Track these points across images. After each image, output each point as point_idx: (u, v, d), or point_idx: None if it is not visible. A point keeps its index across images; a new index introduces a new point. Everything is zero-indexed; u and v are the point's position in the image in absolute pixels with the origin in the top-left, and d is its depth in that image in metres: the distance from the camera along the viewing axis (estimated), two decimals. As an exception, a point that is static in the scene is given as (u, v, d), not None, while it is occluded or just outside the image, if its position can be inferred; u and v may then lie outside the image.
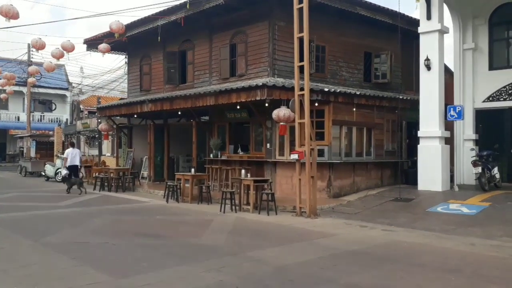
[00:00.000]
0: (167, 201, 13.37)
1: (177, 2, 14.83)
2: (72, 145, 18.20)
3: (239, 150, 15.23)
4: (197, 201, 13.04)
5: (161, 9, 15.75)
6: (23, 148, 32.24)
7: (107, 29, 15.23)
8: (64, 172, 16.32)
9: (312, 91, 11.69)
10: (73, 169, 16.07)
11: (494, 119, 14.45)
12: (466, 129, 14.55)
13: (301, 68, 10.84)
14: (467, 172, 13.79)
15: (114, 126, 20.63)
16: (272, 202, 11.23)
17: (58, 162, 21.42)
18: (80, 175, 16.54)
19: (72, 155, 16.22)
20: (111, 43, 16.26)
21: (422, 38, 13.50)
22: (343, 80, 15.34)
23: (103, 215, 11.04)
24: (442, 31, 13.41)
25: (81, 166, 16.84)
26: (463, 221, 9.42)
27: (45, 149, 30.79)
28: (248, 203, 11.67)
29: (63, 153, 24.68)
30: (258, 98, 12.40)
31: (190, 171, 14.09)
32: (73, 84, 37.58)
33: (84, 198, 14.45)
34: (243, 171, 12.20)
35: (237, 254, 6.94)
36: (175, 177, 14.20)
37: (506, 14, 14.45)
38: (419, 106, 13.55)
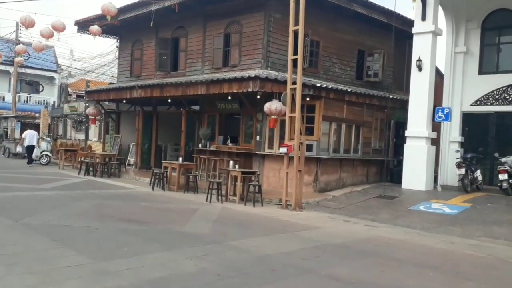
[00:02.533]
0: (152, 188, 13.30)
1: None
2: (30, 127, 21.91)
3: (229, 141, 15.19)
4: (183, 190, 13.00)
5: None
6: (7, 129, 31.72)
7: (100, 12, 15.00)
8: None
9: (304, 85, 11.69)
10: (30, 149, 19.94)
11: (480, 123, 14.61)
12: (452, 131, 14.70)
13: (295, 62, 10.84)
14: (451, 173, 13.95)
15: (102, 111, 20.42)
16: (259, 194, 11.25)
17: (43, 144, 21.13)
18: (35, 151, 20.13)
19: (30, 136, 19.92)
20: (103, 26, 16.01)
21: (415, 39, 13.58)
22: (336, 76, 15.37)
23: (86, 199, 10.96)
24: (436, 33, 13.50)
25: (39, 146, 20.50)
26: (444, 220, 9.58)
27: (30, 131, 30.25)
28: (234, 194, 11.68)
29: (49, 136, 24.51)
30: (250, 90, 12.37)
31: (177, 159, 14.03)
32: (62, 67, 36.99)
33: (68, 181, 14.32)
34: (231, 162, 12.18)
35: (220, 243, 6.95)
36: (162, 165, 14.13)
37: (498, 20, 14.55)
38: (408, 106, 13.66)
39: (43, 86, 38.51)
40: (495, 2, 14.30)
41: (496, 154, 13.06)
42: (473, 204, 10.89)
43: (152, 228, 7.97)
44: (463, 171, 12.74)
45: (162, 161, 15.17)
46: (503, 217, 9.74)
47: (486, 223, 9.20)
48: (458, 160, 13.26)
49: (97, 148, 21.38)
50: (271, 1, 13.52)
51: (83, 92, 24.78)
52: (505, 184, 12.19)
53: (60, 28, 14.40)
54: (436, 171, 13.73)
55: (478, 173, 13.12)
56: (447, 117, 13.25)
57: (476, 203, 11.00)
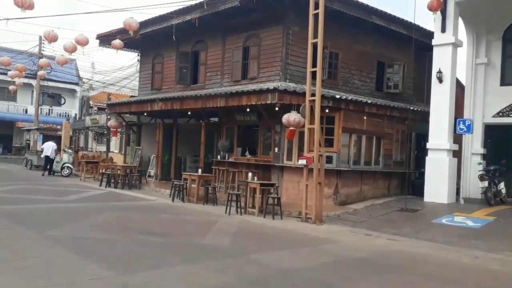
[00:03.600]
0: (172, 200, 13.37)
1: (192, 2, 14.89)
2: (52, 140, 23.14)
3: (247, 153, 15.22)
4: (202, 201, 13.04)
5: (176, 8, 15.80)
6: (29, 141, 32.35)
7: (121, 26, 15.29)
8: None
9: (323, 97, 11.68)
10: (46, 159, 20.88)
11: (502, 135, 14.35)
12: (474, 143, 14.47)
13: (314, 74, 10.84)
14: (474, 186, 13.71)
15: (123, 123, 20.68)
16: (278, 206, 11.19)
17: (65, 157, 21.47)
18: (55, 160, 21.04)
19: (47, 147, 20.81)
20: (124, 40, 16.30)
21: (435, 51, 13.49)
22: (355, 88, 15.32)
23: (108, 211, 11.08)
24: (456, 45, 13.40)
25: (54, 158, 21.05)
26: (467, 234, 9.41)
27: (52, 143, 30.82)
28: (253, 206, 11.66)
29: (70, 148, 24.93)
30: (268, 102, 12.41)
31: (197, 171, 14.10)
32: (84, 80, 37.70)
33: (89, 193, 14.51)
34: (250, 174, 12.19)
35: (240, 256, 6.94)
36: (182, 176, 14.22)
37: (520, 31, 14.38)
38: (429, 118, 13.53)
39: (65, 99, 39.29)
40: (516, 14, 14.14)
41: None
42: (497, 218, 10.69)
43: (172, 241, 8.01)
44: (486, 183, 12.56)
45: (182, 172, 15.27)
46: (529, 231, 9.51)
47: (511, 237, 9.04)
48: (481, 172, 13.08)
49: (118, 160, 21.62)
50: (290, 14, 13.59)
51: (105, 105, 25.16)
52: (530, 197, 11.97)
53: (83, 42, 14.71)
54: (458, 184, 13.51)
55: (502, 185, 12.90)
56: (469, 129, 13.07)
57: (500, 217, 10.81)
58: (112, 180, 16.69)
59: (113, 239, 7.75)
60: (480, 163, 13.83)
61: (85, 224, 9.07)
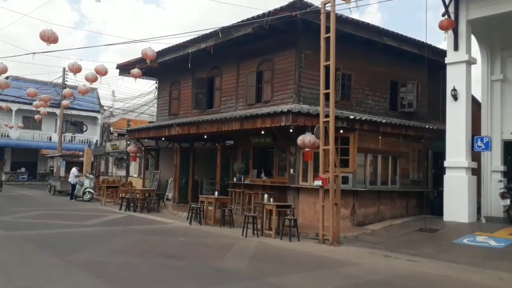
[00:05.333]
0: (190, 223, 13.49)
1: (207, 31, 15.28)
2: (74, 166, 24.02)
3: (262, 174, 15.32)
4: (219, 224, 13.12)
5: (192, 37, 16.24)
6: (53, 167, 33.06)
7: (139, 55, 15.75)
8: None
9: (337, 118, 11.75)
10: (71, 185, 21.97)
11: (523, 151, 14.16)
12: (494, 161, 14.29)
13: (327, 96, 10.96)
14: (495, 204, 13.48)
15: (142, 148, 21.10)
16: (295, 228, 11.19)
17: (86, 182, 21.90)
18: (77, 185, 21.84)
19: (71, 173, 22.14)
20: (143, 69, 16.77)
21: (449, 69, 13.50)
22: (369, 108, 15.37)
23: (127, 235, 11.25)
24: (470, 62, 13.40)
25: (75, 183, 21.92)
26: (490, 254, 9.21)
27: (75, 169, 31.44)
28: (270, 228, 11.67)
29: (91, 174, 25.42)
30: (282, 124, 12.55)
31: (213, 194, 14.23)
32: (105, 107, 38.62)
33: (110, 217, 14.74)
34: (265, 195, 12.25)
35: (258, 279, 6.96)
36: (198, 199, 14.37)
37: (535, 47, 14.32)
38: (445, 136, 13.44)
39: (86, 126, 40.23)
40: (531, 30, 14.11)
41: None
42: (520, 237, 10.44)
43: (190, 264, 8.08)
44: (508, 201, 12.34)
45: (199, 195, 15.42)
46: (555, 250, 9.28)
47: (536, 258, 8.80)
48: (502, 190, 12.88)
49: (137, 184, 21.92)
50: (301, 38, 13.83)
51: (124, 131, 25.66)
52: (554, 215, 11.68)
53: (103, 72, 15.17)
54: (478, 202, 13.29)
55: (525, 203, 12.63)
56: (487, 146, 12.93)
57: (524, 236, 10.54)
58: (131, 204, 16.96)
59: (132, 263, 7.88)
60: (501, 181, 13.62)
61: (105, 248, 9.24)
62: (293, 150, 13.88)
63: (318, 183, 10.91)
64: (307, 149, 11.97)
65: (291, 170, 14.02)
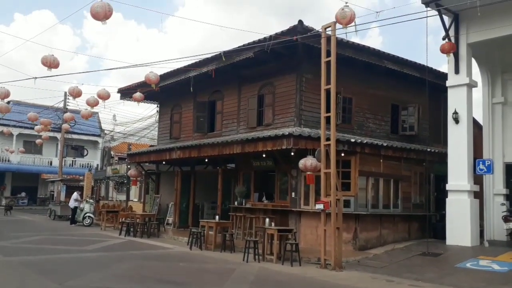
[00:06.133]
0: (190, 248, 13.34)
1: (209, 55, 15.45)
2: (75, 190, 24.01)
3: (264, 198, 15.23)
4: (220, 249, 12.96)
5: (193, 61, 16.39)
6: (53, 192, 33.01)
7: (140, 79, 15.89)
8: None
9: (338, 141, 11.76)
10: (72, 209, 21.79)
11: (526, 174, 14.09)
12: (496, 184, 14.21)
13: (328, 119, 10.98)
14: (498, 228, 13.34)
15: (143, 172, 21.05)
16: (296, 252, 11.04)
17: (86, 206, 21.79)
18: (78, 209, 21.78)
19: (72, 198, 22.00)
20: (144, 93, 16.88)
21: (450, 92, 13.57)
22: (370, 131, 15.38)
23: (127, 260, 11.13)
24: (471, 85, 13.47)
25: (75, 207, 21.78)
26: (494, 278, 9.12)
27: (75, 194, 31.32)
28: (271, 253, 11.53)
29: (91, 198, 25.31)
30: (284, 147, 12.54)
31: (214, 218, 14.12)
32: (105, 131, 38.80)
33: (109, 243, 14.61)
34: (267, 219, 12.15)
35: (259, 305, 6.83)
36: (199, 224, 14.24)
37: (536, 70, 14.41)
38: (447, 159, 13.41)
39: (87, 150, 40.31)
40: (531, 53, 14.22)
41: None
42: (525, 261, 10.31)
43: (190, 290, 7.96)
44: (510, 225, 12.27)
45: (199, 219, 15.30)
46: (560, 274, 9.16)
47: (541, 282, 8.68)
48: (505, 213, 12.80)
49: (138, 208, 21.80)
50: (302, 62, 13.95)
51: (125, 155, 25.67)
52: (558, 239, 11.55)
53: (104, 97, 15.27)
54: (481, 226, 13.17)
55: (528, 227, 12.51)
56: (489, 169, 12.88)
57: (528, 260, 10.42)
58: (132, 229, 16.81)
59: (131, 288, 7.75)
60: (503, 204, 13.52)
61: (104, 274, 9.13)
62: (295, 173, 13.83)
63: (319, 206, 10.84)
64: (308, 173, 11.96)
65: (293, 193, 13.94)
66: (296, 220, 13.74)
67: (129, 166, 22.25)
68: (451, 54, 13.11)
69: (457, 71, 13.41)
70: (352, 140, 13.03)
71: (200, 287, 8.30)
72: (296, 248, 11.07)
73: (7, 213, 26.78)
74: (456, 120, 13.20)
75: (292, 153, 12.72)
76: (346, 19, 9.66)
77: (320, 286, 8.67)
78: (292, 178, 14.01)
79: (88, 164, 40.05)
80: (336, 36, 11.02)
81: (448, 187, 13.21)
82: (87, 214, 21.37)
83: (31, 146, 35.70)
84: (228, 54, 14.60)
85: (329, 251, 10.49)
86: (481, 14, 10.79)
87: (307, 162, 11.77)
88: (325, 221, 10.80)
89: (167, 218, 19.87)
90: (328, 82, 10.97)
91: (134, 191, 24.76)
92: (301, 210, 13.61)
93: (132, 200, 24.27)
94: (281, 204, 14.36)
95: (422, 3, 12.69)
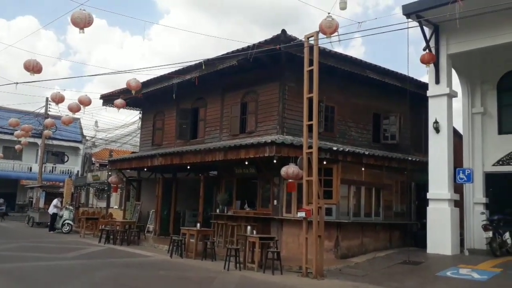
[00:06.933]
0: (171, 256, 13.17)
1: (192, 63, 15.39)
2: (55, 197, 23.55)
3: (246, 206, 15.16)
4: (201, 257, 12.82)
5: (177, 68, 16.31)
6: (32, 198, 32.42)
7: (123, 86, 15.74)
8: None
9: (320, 149, 11.78)
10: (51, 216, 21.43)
11: (504, 183, 14.27)
12: (476, 193, 14.37)
13: (310, 127, 11.00)
14: (478, 236, 13.49)
15: (124, 179, 20.80)
16: (278, 261, 10.98)
17: (65, 213, 21.43)
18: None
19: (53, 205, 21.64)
20: (127, 99, 16.73)
21: (431, 102, 13.73)
22: (352, 140, 15.47)
23: (106, 268, 10.94)
24: (451, 95, 13.66)
25: (54, 213, 21.42)
26: (473, 287, 9.19)
27: (55, 200, 30.79)
28: (253, 261, 11.44)
29: (71, 205, 24.91)
30: (266, 155, 12.52)
31: (196, 226, 13.98)
32: (87, 137, 38.28)
33: (88, 250, 14.37)
34: (248, 227, 12.07)
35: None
36: (180, 231, 14.09)
37: (514, 81, 14.67)
38: (428, 168, 13.53)
39: (68, 157, 39.73)
40: (509, 64, 14.49)
41: None
42: (504, 269, 10.43)
43: (169, 299, 7.84)
44: (490, 234, 12.38)
45: (181, 227, 15.13)
46: (538, 283, 9.27)
47: (519, 290, 8.78)
48: (484, 222, 12.93)
49: (118, 215, 21.54)
50: (285, 71, 13.99)
51: (106, 161, 25.35)
52: (538, 247, 11.70)
53: (86, 102, 15.08)
54: (462, 234, 13.30)
55: (507, 235, 12.71)
56: (469, 178, 13.04)
57: (507, 268, 10.56)
58: (111, 236, 16.57)
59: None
60: (483, 213, 13.67)
61: (83, 282, 8.96)
62: (277, 181, 13.80)
63: (301, 214, 10.82)
64: (290, 180, 11.94)
65: (275, 201, 13.91)
66: (278, 228, 13.69)
67: (110, 173, 21.96)
68: (432, 65, 13.30)
69: (437, 81, 13.60)
70: (334, 148, 13.08)
71: (180, 296, 8.16)
72: (277, 256, 11.02)
73: None
74: (437, 130, 13.35)
75: (275, 161, 12.70)
76: (331, 28, 9.73)
77: (301, 295, 8.61)
78: (274, 186, 13.98)
79: (68, 170, 39.42)
80: (319, 45, 11.09)
81: (428, 195, 13.32)
82: (66, 221, 21.06)
83: (10, 152, 35.01)
84: (211, 62, 14.59)
85: (310, 260, 10.44)
86: (461, 26, 10.97)
87: (289, 169, 11.75)
88: (307, 229, 10.77)
89: (147, 225, 19.65)
90: (310, 90, 11.01)
91: (114, 198, 24.46)
92: (283, 218, 13.57)
93: (112, 207, 23.98)
94: (263, 212, 14.30)
95: (404, 14, 12.88)
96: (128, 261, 12.38)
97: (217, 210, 15.80)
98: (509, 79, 14.78)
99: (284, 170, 11.84)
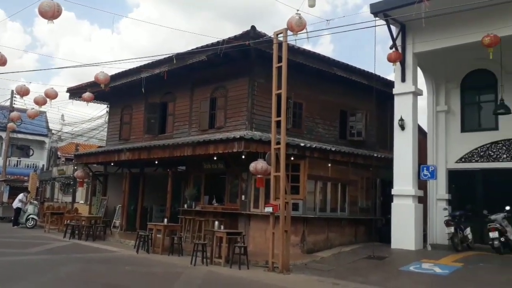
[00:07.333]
0: (137, 251, 13.04)
1: (161, 57, 15.22)
2: (20, 191, 23.09)
3: (214, 201, 15.13)
4: (168, 252, 12.74)
5: (146, 62, 16.10)
6: (-5, 193, 31.48)
7: (91, 79, 15.43)
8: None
9: (288, 145, 11.85)
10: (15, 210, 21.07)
11: (466, 180, 14.67)
12: (439, 189, 14.72)
13: (278, 123, 11.05)
14: (440, 232, 13.81)
15: (90, 173, 20.45)
16: (245, 256, 11.01)
17: (30, 208, 20.92)
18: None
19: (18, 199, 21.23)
20: (94, 93, 16.41)
21: (396, 99, 13.96)
22: (319, 136, 15.64)
23: (71, 263, 10.78)
24: (416, 93, 13.91)
25: (18, 208, 21.01)
26: (435, 281, 9.38)
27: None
28: (220, 256, 11.44)
29: (35, 199, 24.30)
30: (235, 150, 12.52)
31: (163, 221, 13.87)
32: (53, 131, 37.35)
33: (53, 245, 14.10)
34: (216, 222, 12.06)
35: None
36: (147, 227, 13.95)
37: (476, 80, 15.00)
38: (393, 164, 13.78)
39: (33, 150, 38.67)
40: (472, 63, 14.87)
41: (485, 212, 12.87)
42: (464, 264, 10.69)
43: (134, 294, 7.76)
44: (452, 229, 12.65)
45: (147, 222, 14.99)
46: (497, 277, 9.57)
47: (479, 284, 9.04)
48: (447, 218, 13.17)
49: (84, 210, 21.21)
50: (255, 67, 14.01)
51: (72, 156, 24.88)
52: (496, 242, 12.01)
53: (52, 96, 14.72)
54: (425, 230, 13.59)
55: (468, 231, 12.95)
56: (433, 175, 13.29)
57: (468, 263, 10.82)
58: (77, 232, 16.29)
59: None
60: (445, 209, 13.96)
61: (47, 278, 8.79)
62: (245, 176, 13.82)
63: (268, 209, 10.87)
64: (259, 176, 11.96)
65: (243, 196, 13.94)
66: (245, 223, 13.73)
67: (76, 167, 21.54)
68: (398, 63, 13.52)
69: (403, 79, 13.84)
70: (302, 144, 13.19)
71: (145, 291, 8.10)
72: (244, 251, 11.05)
73: None
74: (402, 127, 13.61)
75: (243, 156, 12.71)
76: (301, 26, 9.77)
77: (266, 289, 8.67)
78: (242, 181, 14.00)
79: (33, 164, 38.35)
80: (288, 42, 11.13)
81: (393, 191, 13.55)
82: (31, 216, 20.60)
83: (-28, 145, 33.87)
84: (181, 56, 14.46)
85: (277, 254, 10.50)
86: (426, 25, 11.21)
87: (257, 165, 11.77)
88: (274, 224, 10.83)
89: (114, 221, 19.40)
90: (279, 87, 11.04)
91: (80, 193, 24.04)
92: (250, 213, 13.62)
93: (78, 202, 23.55)
94: (231, 207, 14.31)
95: (371, 13, 13.04)
96: (93, 257, 12.20)
97: (185, 205, 15.72)
98: (472, 78, 15.14)
99: (252, 166, 11.86)
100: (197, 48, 14.09)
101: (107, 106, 21.58)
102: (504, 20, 11.53)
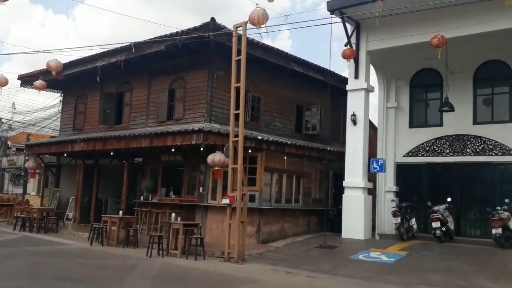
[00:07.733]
0: (91, 244, 12.90)
1: (118, 45, 14.97)
2: None
3: (171, 193, 15.14)
4: (123, 244, 12.68)
5: (102, 50, 15.77)
6: None
7: (43, 67, 14.96)
8: None
9: (246, 138, 12.05)
10: None
11: (413, 173, 15.41)
12: (387, 181, 15.38)
13: (237, 116, 11.23)
14: (388, 222, 14.44)
15: (42, 164, 19.86)
16: (201, 247, 11.17)
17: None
18: None
19: None
20: (47, 81, 15.90)
21: (349, 95, 14.44)
22: (276, 129, 15.96)
23: (21, 256, 10.52)
24: (368, 90, 14.43)
25: None
26: (382, 269, 9.82)
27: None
28: (176, 248, 11.52)
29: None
30: (193, 142, 12.60)
31: (118, 213, 13.76)
32: (3, 120, 35.75)
33: (1, 238, 13.67)
34: (173, 214, 12.12)
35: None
36: (102, 219, 13.81)
37: (424, 78, 15.73)
38: (345, 157, 14.29)
39: (-19, 140, 36.81)
40: (421, 63, 15.56)
41: (429, 203, 13.60)
42: (409, 252, 11.23)
43: (88, 287, 7.74)
44: (398, 219, 13.23)
45: (102, 215, 14.82)
46: (438, 264, 10.12)
47: (422, 271, 9.50)
48: (394, 209, 13.74)
49: (35, 202, 20.62)
50: (214, 59, 14.08)
51: (23, 146, 24.01)
52: (438, 232, 12.71)
53: (3, 83, 14.16)
54: (374, 220, 14.18)
55: (413, 221, 13.62)
56: (382, 168, 13.90)
57: (412, 251, 11.37)
58: (28, 224, 15.83)
59: (24, 287, 7.35)
60: (393, 200, 14.59)
61: (-5, 272, 8.53)
62: (203, 168, 13.93)
63: (226, 201, 11.06)
64: (216, 168, 12.10)
65: (201, 188, 14.04)
66: (203, 215, 13.86)
67: (27, 158, 20.85)
68: (352, 60, 13.94)
69: (356, 76, 14.31)
70: (259, 137, 13.44)
71: (100, 283, 8.09)
72: (201, 243, 11.20)
73: None
74: (354, 122, 14.11)
75: (202, 149, 12.81)
76: (266, 19, 9.87)
77: (222, 279, 8.87)
78: (200, 173, 14.10)
79: (-20, 154, 36.65)
80: (247, 36, 11.29)
81: (344, 183, 14.07)
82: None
83: None
84: (139, 45, 14.30)
85: (233, 245, 10.72)
86: (380, 24, 11.65)
87: (215, 157, 11.91)
88: (230, 215, 11.03)
89: (67, 213, 18.96)
90: (238, 80, 11.20)
91: (32, 184, 23.31)
92: (208, 204, 13.76)
93: (29, 194, 22.82)
94: (189, 199, 14.39)
95: (328, 10, 13.38)
96: (45, 249, 11.97)
97: (142, 198, 15.61)
98: (421, 76, 15.83)
99: (210, 158, 11.98)
100: (155, 38, 13.97)
101: (61, 95, 20.93)
102: (451, 22, 12.12)
